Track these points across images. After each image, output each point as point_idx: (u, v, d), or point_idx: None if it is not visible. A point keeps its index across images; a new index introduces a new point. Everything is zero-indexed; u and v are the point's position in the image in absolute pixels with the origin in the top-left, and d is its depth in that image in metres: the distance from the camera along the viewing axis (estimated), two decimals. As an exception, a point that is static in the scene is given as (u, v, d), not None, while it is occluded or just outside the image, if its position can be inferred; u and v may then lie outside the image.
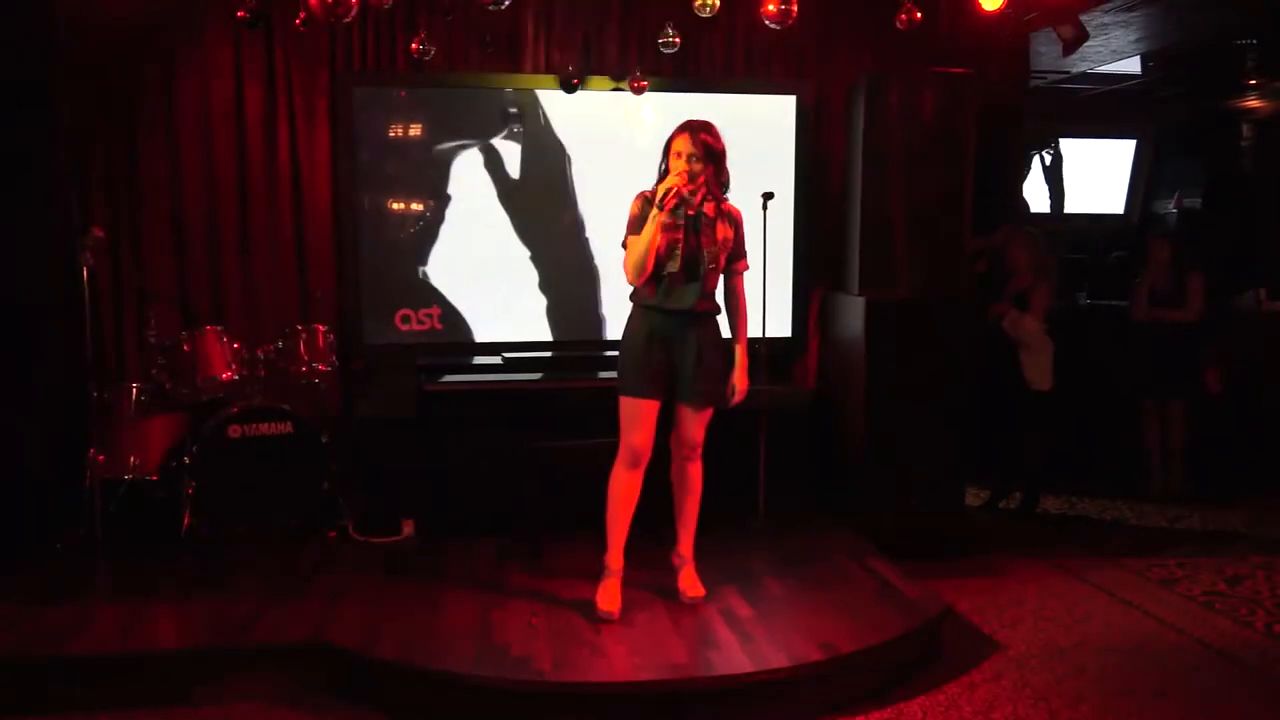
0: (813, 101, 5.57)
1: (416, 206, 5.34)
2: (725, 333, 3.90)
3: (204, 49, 5.11)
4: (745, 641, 3.58)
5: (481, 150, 5.34)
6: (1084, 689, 3.60)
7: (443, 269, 5.35)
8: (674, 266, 3.68)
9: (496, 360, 5.28)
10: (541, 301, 5.46)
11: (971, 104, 5.03)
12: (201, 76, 5.12)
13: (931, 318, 4.99)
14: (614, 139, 5.41)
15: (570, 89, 5.18)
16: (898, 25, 4.51)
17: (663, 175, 3.72)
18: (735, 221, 3.83)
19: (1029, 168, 8.90)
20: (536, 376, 5.10)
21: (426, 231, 5.34)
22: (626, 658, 3.45)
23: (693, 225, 3.70)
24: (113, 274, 5.07)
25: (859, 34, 5.57)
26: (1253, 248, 7.97)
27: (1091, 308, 7.15)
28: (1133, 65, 7.91)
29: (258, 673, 3.51)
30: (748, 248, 3.91)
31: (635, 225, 3.70)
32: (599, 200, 5.39)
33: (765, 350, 4.89)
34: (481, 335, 5.42)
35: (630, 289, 3.82)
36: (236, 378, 4.68)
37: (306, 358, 4.78)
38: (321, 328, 4.86)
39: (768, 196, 4.74)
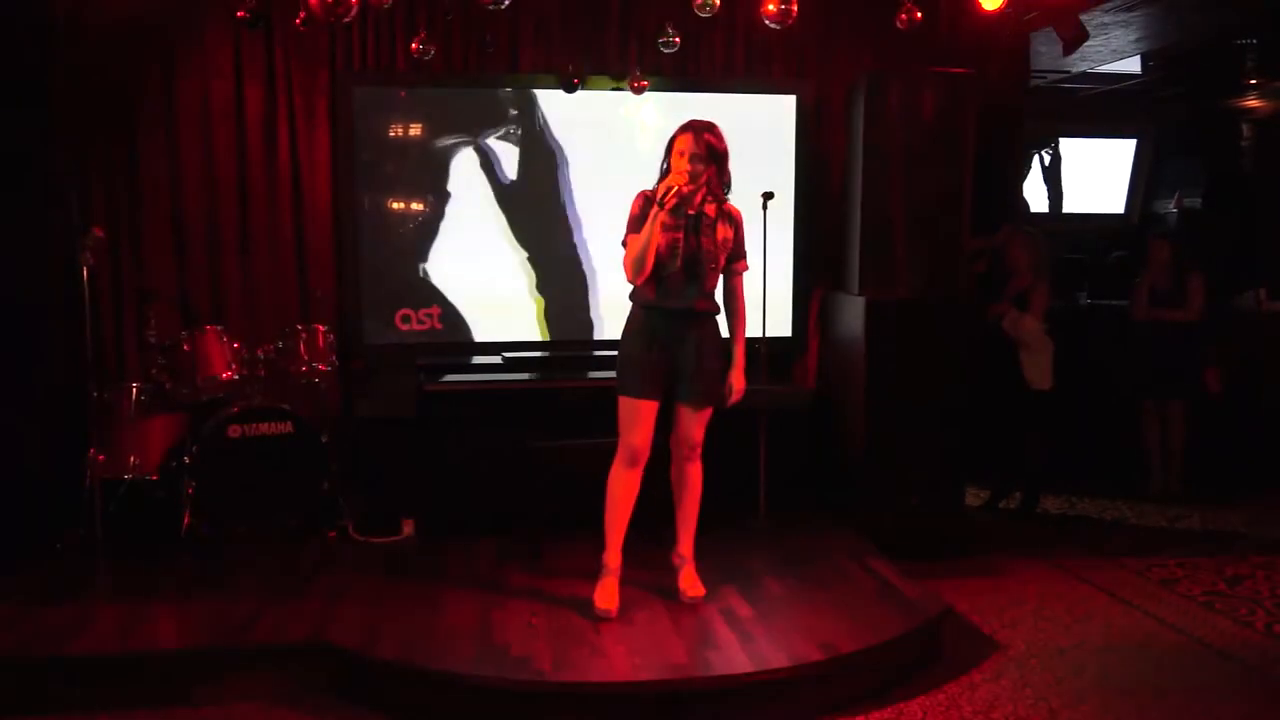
0: (813, 101, 5.57)
1: (417, 206, 5.34)
2: (725, 333, 3.90)
3: (204, 49, 5.11)
4: (745, 641, 3.58)
5: (479, 150, 5.34)
6: (1084, 689, 3.60)
7: (443, 267, 5.35)
8: (674, 266, 3.69)
9: (497, 360, 5.29)
10: (541, 301, 5.47)
11: (971, 104, 5.03)
12: (201, 76, 5.13)
13: (931, 318, 4.99)
14: (612, 140, 5.41)
15: (570, 89, 5.18)
16: (898, 25, 4.51)
17: (664, 174, 3.72)
18: (735, 222, 3.83)
19: (1029, 168, 8.90)
20: (537, 376, 5.10)
21: (427, 229, 5.34)
22: (626, 658, 3.45)
23: (693, 225, 3.70)
24: (113, 274, 5.08)
25: (859, 34, 5.57)
26: (1253, 248, 7.97)
27: (1091, 308, 7.15)
28: (1133, 65, 7.90)
29: (258, 673, 3.51)
30: (748, 248, 3.92)
31: (635, 224, 3.70)
32: (598, 201, 5.39)
33: (765, 350, 4.89)
34: (481, 335, 5.42)
35: (629, 288, 3.83)
36: (236, 378, 4.68)
37: (306, 358, 4.78)
38: (321, 328, 4.86)
39: (768, 196, 4.74)
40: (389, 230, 5.31)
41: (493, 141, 5.35)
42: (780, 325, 5.49)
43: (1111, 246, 8.47)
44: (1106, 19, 6.21)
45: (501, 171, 5.38)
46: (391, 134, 5.27)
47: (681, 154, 3.67)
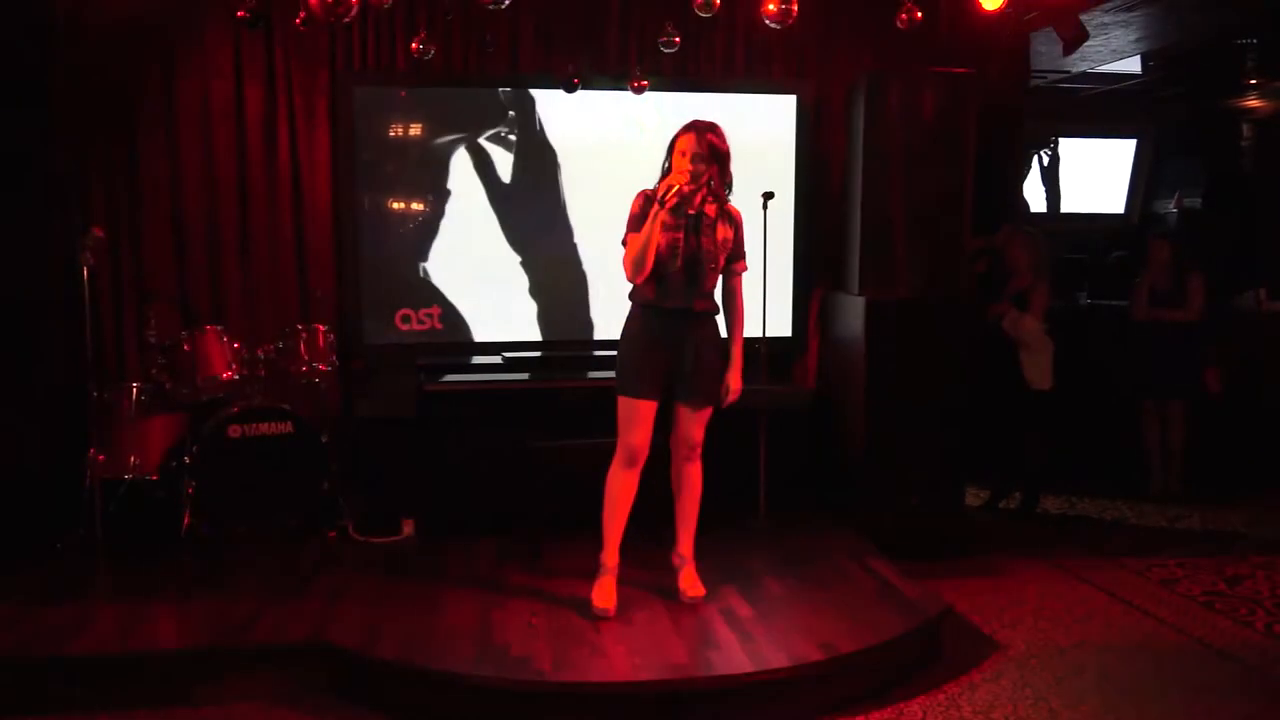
0: (813, 101, 5.57)
1: (417, 206, 5.34)
2: (724, 333, 3.90)
3: (204, 49, 5.11)
4: (745, 641, 3.58)
5: (480, 150, 5.34)
6: (1084, 689, 3.60)
7: (443, 266, 5.35)
8: (674, 266, 3.69)
9: (497, 360, 5.29)
10: (540, 302, 5.46)
11: (971, 104, 5.03)
12: (201, 76, 5.12)
13: (931, 318, 4.99)
14: (612, 140, 5.40)
15: (570, 89, 5.18)
16: (898, 25, 4.50)
17: (665, 174, 3.73)
18: (735, 222, 3.84)
19: (1029, 168, 8.90)
20: (537, 376, 5.09)
21: (427, 228, 5.34)
22: (626, 658, 3.45)
23: (693, 225, 3.70)
24: (113, 274, 5.07)
25: (859, 34, 5.57)
26: (1253, 248, 7.97)
27: (1091, 308, 7.15)
28: (1133, 65, 7.90)
29: (258, 673, 3.51)
30: (748, 248, 3.92)
31: (635, 223, 3.70)
32: (597, 201, 5.39)
33: (765, 350, 4.89)
34: (481, 335, 5.42)
35: (628, 288, 3.83)
36: (236, 378, 4.68)
37: (306, 358, 4.78)
38: (321, 328, 4.86)
39: (768, 196, 4.74)
40: (389, 230, 5.31)
41: (494, 142, 5.35)
42: (780, 325, 5.49)
43: (1111, 246, 8.47)
44: (1106, 19, 6.21)
45: (501, 171, 5.37)
46: (391, 134, 5.27)
47: (683, 154, 3.67)
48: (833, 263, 5.50)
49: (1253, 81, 8.15)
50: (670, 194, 3.59)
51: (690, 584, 3.95)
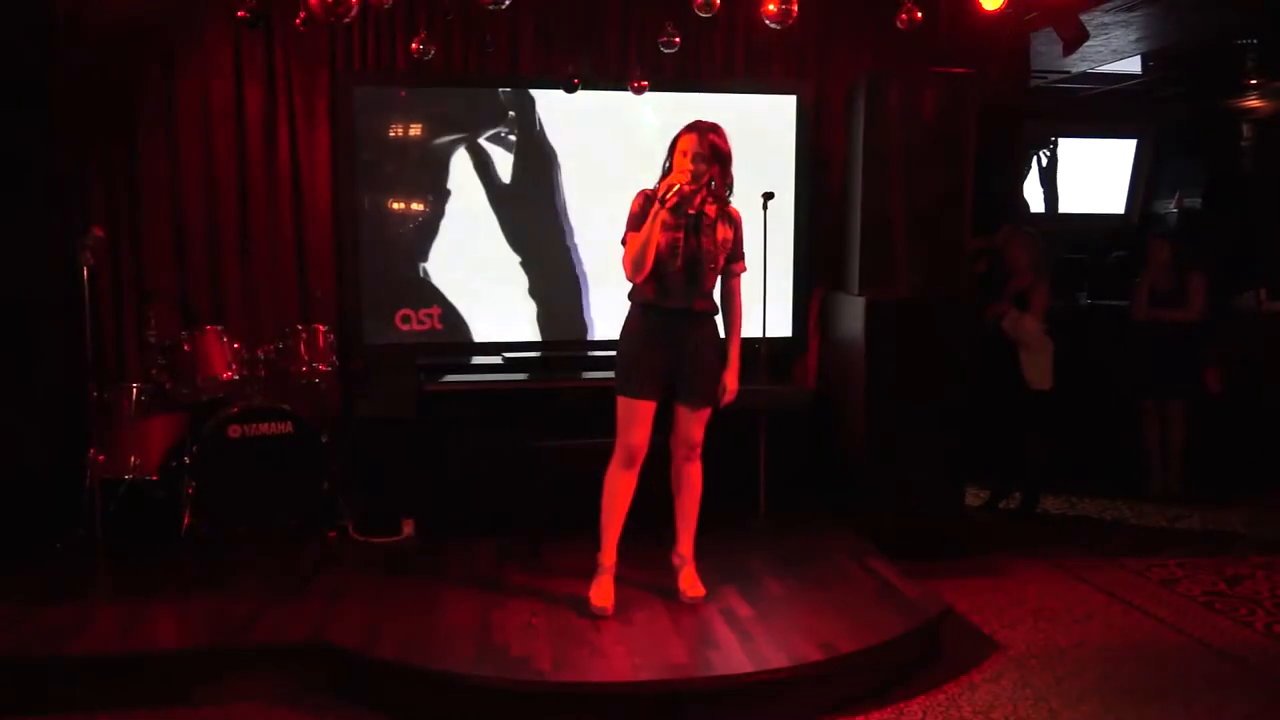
0: (813, 101, 5.57)
1: (417, 206, 5.34)
2: (723, 333, 3.90)
3: (204, 49, 5.11)
4: (745, 641, 3.58)
5: (480, 150, 5.34)
6: (1084, 689, 3.60)
7: (443, 266, 5.35)
8: (674, 266, 3.69)
9: (497, 360, 5.29)
10: (540, 302, 5.46)
11: (971, 104, 5.03)
12: (201, 76, 5.12)
13: (931, 318, 4.99)
14: (611, 141, 5.40)
15: (570, 89, 5.17)
16: (898, 25, 4.50)
17: (666, 174, 3.73)
18: (735, 223, 3.84)
19: (1029, 168, 8.90)
20: (537, 376, 5.09)
21: (427, 228, 5.34)
22: (626, 658, 3.45)
23: (693, 225, 3.70)
24: (113, 274, 5.07)
25: (859, 34, 5.58)
26: (1253, 248, 7.97)
27: (1091, 308, 7.15)
28: (1133, 65, 7.90)
29: (258, 673, 3.51)
30: (747, 248, 3.92)
31: (635, 222, 3.70)
32: (597, 201, 5.39)
33: (765, 350, 4.89)
34: (481, 335, 5.42)
35: (627, 288, 3.83)
36: (236, 378, 4.68)
37: (306, 358, 4.78)
38: (321, 328, 4.86)
39: (768, 196, 4.74)
40: (389, 230, 5.31)
41: (494, 142, 5.35)
42: (780, 325, 5.49)
43: (1112, 246, 8.47)
44: (1106, 19, 6.21)
45: (501, 172, 5.38)
46: (391, 134, 5.27)
47: (685, 153, 3.67)
48: (833, 263, 5.50)
49: (1253, 81, 8.15)
50: (671, 193, 3.59)
51: (690, 584, 3.95)
